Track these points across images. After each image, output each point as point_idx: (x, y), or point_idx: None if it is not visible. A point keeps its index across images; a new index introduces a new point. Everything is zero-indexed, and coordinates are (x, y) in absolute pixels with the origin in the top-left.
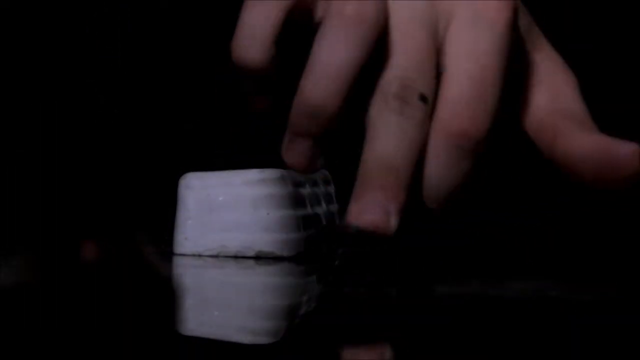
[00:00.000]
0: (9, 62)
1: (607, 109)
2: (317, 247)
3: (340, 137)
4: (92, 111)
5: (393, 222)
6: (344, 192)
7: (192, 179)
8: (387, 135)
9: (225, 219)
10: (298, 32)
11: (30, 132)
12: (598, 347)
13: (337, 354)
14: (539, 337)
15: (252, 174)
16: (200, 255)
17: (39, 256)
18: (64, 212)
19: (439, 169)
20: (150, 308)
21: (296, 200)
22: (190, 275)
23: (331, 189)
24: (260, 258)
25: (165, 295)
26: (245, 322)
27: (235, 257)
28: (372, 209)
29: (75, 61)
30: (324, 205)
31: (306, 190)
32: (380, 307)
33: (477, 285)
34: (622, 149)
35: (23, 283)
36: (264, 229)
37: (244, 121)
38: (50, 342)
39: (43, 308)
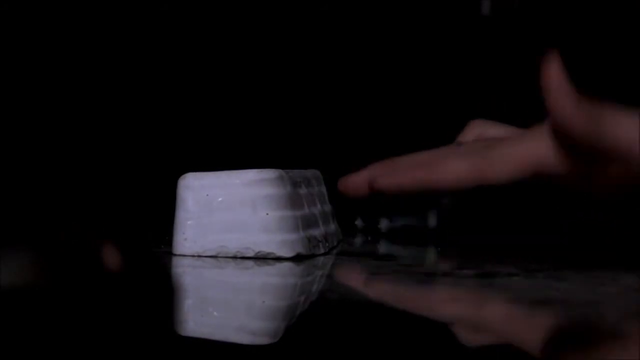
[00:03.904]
0: (8, 62)
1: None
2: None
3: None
4: (91, 111)
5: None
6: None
7: (191, 179)
8: None
9: (225, 220)
10: None
11: (30, 132)
12: (598, 347)
13: (336, 354)
14: (539, 337)
15: (251, 175)
16: (199, 256)
17: (40, 256)
18: (64, 213)
19: None
20: (151, 308)
21: (294, 201)
22: (190, 275)
23: (323, 189)
24: (259, 258)
25: (165, 295)
26: (244, 322)
27: (235, 258)
28: None
29: (74, 61)
30: (318, 205)
31: (303, 191)
32: (378, 307)
33: (476, 285)
34: None
35: (23, 283)
36: (264, 229)
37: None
38: (51, 341)
39: (44, 308)
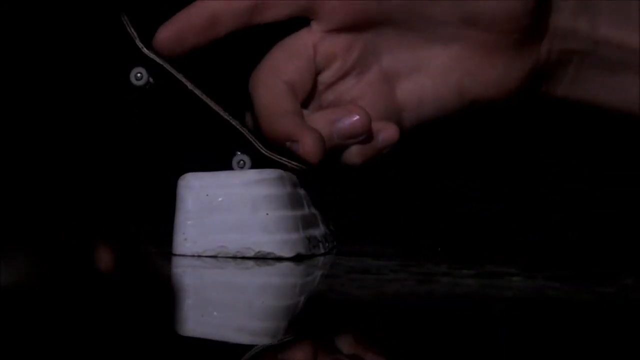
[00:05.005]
0: (8, 62)
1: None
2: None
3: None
4: (92, 111)
5: None
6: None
7: (191, 179)
8: None
9: (225, 220)
10: None
11: (30, 132)
12: (597, 347)
13: (336, 354)
14: (539, 337)
15: (251, 175)
16: (199, 256)
17: (40, 256)
18: (65, 213)
19: None
20: (150, 308)
21: (294, 201)
22: (190, 276)
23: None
24: (259, 258)
25: (165, 295)
26: (244, 322)
27: (235, 258)
28: None
29: (74, 60)
30: None
31: (302, 191)
32: (378, 307)
33: (477, 286)
34: None
35: (24, 283)
36: (264, 229)
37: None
38: (51, 342)
39: (44, 308)
